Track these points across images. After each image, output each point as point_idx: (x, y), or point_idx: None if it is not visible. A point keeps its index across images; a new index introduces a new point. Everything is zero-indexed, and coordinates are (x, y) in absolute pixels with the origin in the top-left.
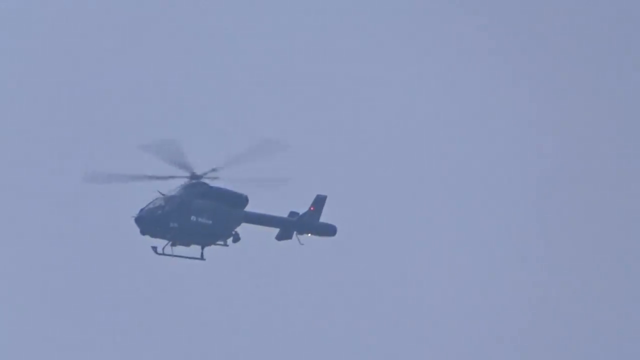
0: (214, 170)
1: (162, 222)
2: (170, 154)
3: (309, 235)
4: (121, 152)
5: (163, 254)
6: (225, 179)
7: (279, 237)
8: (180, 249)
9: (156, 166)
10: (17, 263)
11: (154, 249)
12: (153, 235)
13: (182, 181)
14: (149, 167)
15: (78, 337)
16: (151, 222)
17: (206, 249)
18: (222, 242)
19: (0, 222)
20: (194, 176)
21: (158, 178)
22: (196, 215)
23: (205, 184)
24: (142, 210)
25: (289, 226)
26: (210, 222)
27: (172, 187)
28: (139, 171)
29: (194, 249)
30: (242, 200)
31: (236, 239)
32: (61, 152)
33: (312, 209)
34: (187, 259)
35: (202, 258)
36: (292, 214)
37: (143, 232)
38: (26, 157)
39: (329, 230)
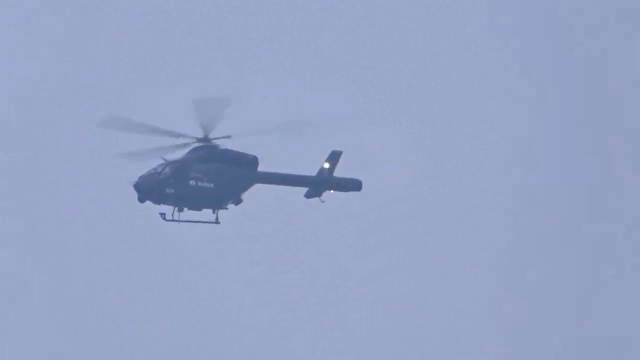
0: (227, 137)
1: (158, 188)
2: (210, 114)
3: (331, 191)
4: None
5: (172, 220)
6: (238, 146)
7: (308, 195)
8: (193, 214)
9: (172, 120)
10: (19, 212)
11: (162, 215)
12: (153, 202)
13: (191, 142)
14: (165, 119)
15: (82, 303)
16: (148, 188)
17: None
18: (234, 203)
19: (10, 159)
20: (204, 139)
21: (169, 134)
22: (196, 180)
23: (212, 146)
24: (140, 176)
25: (308, 183)
26: (212, 185)
27: (180, 145)
28: (154, 123)
29: (208, 213)
30: (251, 160)
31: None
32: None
33: (325, 164)
34: (200, 224)
35: (216, 222)
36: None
37: (141, 200)
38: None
39: (354, 185)
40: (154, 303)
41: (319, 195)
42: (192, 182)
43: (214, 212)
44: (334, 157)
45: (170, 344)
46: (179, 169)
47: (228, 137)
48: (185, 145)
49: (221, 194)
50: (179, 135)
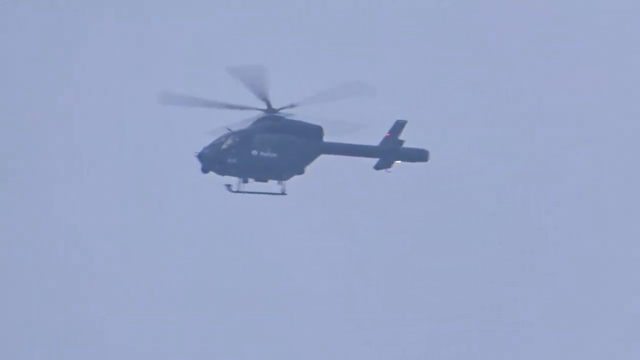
0: (292, 106)
1: (220, 158)
2: (254, 81)
3: (399, 162)
4: (206, 74)
5: (238, 191)
6: (302, 116)
7: (378, 167)
8: (258, 185)
9: (237, 93)
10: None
11: (228, 186)
12: (217, 172)
13: (257, 114)
14: (230, 93)
15: (142, 276)
16: (210, 158)
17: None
18: (298, 174)
19: (67, 142)
20: (269, 110)
21: (233, 107)
22: (258, 150)
23: (277, 117)
24: (204, 147)
25: (374, 153)
26: (275, 154)
27: (247, 118)
28: (216, 97)
29: (274, 185)
30: (316, 131)
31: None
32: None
33: (388, 134)
34: (266, 195)
35: (283, 193)
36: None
37: (204, 170)
38: (103, 72)
39: (421, 156)
40: (216, 271)
41: (389, 166)
42: (254, 152)
43: (279, 184)
44: (398, 127)
45: (235, 314)
46: (242, 138)
47: (292, 106)
48: (251, 117)
49: (284, 164)
50: (242, 108)
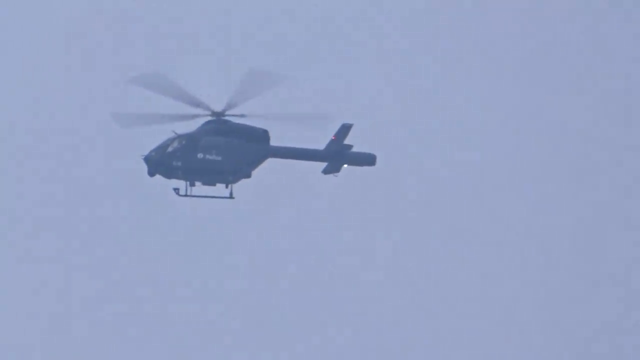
0: (242, 115)
1: (166, 161)
2: (175, 91)
3: (345, 166)
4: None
5: (186, 195)
6: (253, 118)
7: (326, 171)
8: (206, 189)
9: (171, 105)
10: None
11: (176, 190)
12: (163, 176)
13: (204, 117)
14: (162, 106)
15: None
16: (156, 161)
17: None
18: (246, 177)
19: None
20: (214, 114)
21: (182, 118)
22: (204, 152)
23: (223, 120)
24: (151, 150)
25: (321, 157)
26: (220, 158)
27: (193, 117)
28: (158, 111)
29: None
30: (262, 134)
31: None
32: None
33: (333, 137)
34: (213, 199)
35: (230, 197)
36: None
37: (150, 173)
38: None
39: (368, 160)
40: (164, 275)
41: (337, 170)
42: (200, 155)
43: (227, 187)
44: (344, 130)
45: (187, 329)
46: (188, 141)
47: (242, 115)
48: (197, 118)
49: (230, 167)
50: (197, 105)
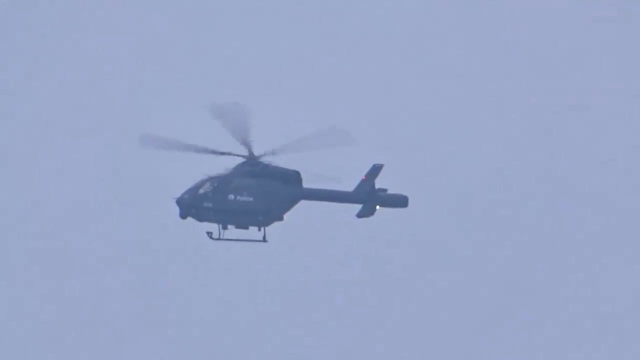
0: (273, 153)
1: (197, 203)
2: (236, 124)
3: (377, 207)
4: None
5: (219, 238)
6: (283, 162)
7: (360, 214)
8: (239, 232)
9: (219, 138)
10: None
11: (209, 234)
12: (195, 218)
13: (237, 160)
14: (212, 138)
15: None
16: (188, 204)
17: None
18: (279, 220)
19: (50, 181)
20: (250, 156)
21: (214, 152)
22: (235, 194)
23: (255, 162)
24: (183, 192)
25: (352, 199)
26: (252, 198)
27: (228, 164)
28: (198, 142)
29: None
30: (294, 176)
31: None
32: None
33: (364, 178)
34: (247, 242)
35: (264, 240)
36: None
37: (182, 215)
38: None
39: (400, 201)
40: (198, 319)
41: (372, 213)
42: (231, 197)
43: (259, 230)
44: (374, 171)
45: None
46: (219, 183)
47: (273, 153)
48: (228, 155)
49: (261, 208)
50: (223, 153)
